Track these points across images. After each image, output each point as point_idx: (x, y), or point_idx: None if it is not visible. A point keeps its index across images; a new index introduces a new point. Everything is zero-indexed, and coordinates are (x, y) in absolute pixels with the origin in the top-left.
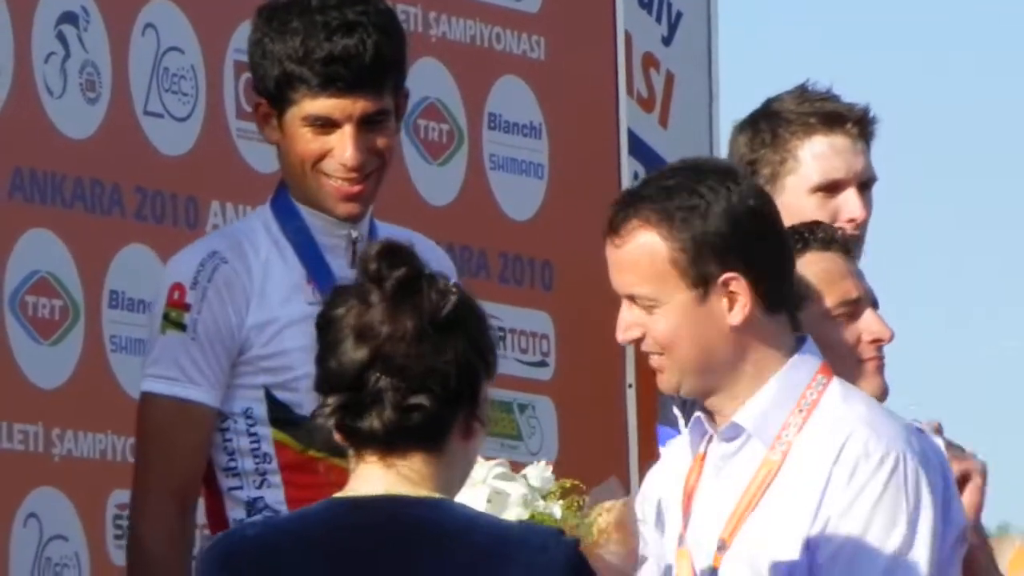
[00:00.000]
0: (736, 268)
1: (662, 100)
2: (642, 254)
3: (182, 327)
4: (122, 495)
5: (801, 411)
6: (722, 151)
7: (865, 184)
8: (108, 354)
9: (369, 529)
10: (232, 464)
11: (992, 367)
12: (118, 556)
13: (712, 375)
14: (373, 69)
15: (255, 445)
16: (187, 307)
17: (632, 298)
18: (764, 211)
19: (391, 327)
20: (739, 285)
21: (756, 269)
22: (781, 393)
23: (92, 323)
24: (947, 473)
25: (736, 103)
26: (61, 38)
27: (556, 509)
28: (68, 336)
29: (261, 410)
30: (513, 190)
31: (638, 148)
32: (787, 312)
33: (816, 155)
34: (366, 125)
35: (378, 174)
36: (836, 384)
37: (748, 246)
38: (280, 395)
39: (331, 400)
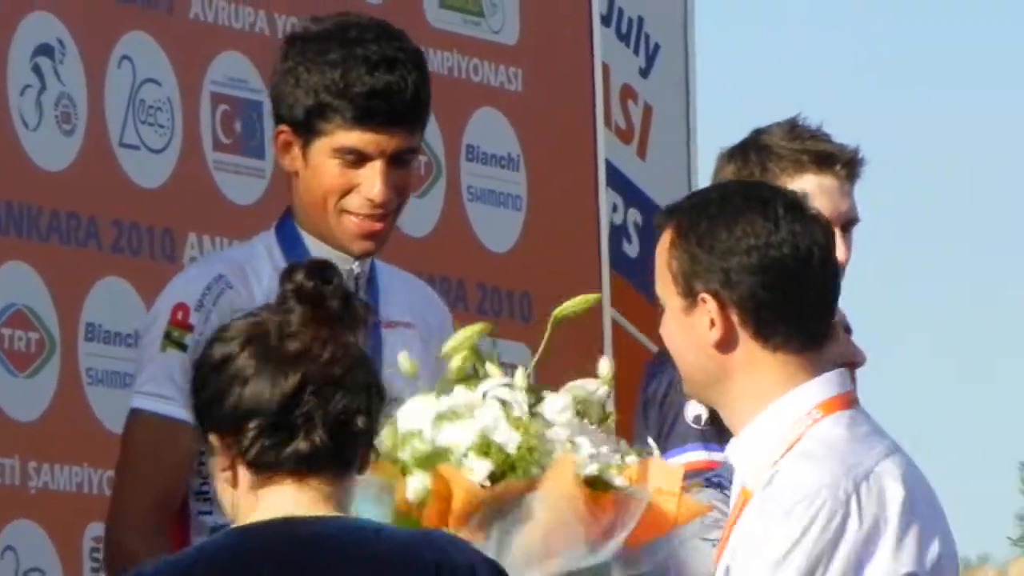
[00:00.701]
0: (713, 290)
1: (640, 132)
2: (658, 254)
3: (183, 347)
4: (99, 528)
5: (787, 444)
6: (701, 182)
7: (848, 224)
8: (85, 387)
9: (268, 552)
10: (204, 488)
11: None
12: None
13: (706, 390)
14: (412, 107)
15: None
16: (190, 328)
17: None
18: (770, 249)
19: (333, 346)
20: (712, 306)
21: (738, 300)
22: (769, 424)
23: (68, 356)
24: (912, 513)
25: (714, 135)
26: (37, 70)
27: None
28: (44, 368)
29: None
30: (491, 222)
31: (616, 180)
32: (796, 351)
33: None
34: (395, 162)
35: (396, 213)
36: (833, 418)
37: (732, 277)
38: None
39: (251, 425)
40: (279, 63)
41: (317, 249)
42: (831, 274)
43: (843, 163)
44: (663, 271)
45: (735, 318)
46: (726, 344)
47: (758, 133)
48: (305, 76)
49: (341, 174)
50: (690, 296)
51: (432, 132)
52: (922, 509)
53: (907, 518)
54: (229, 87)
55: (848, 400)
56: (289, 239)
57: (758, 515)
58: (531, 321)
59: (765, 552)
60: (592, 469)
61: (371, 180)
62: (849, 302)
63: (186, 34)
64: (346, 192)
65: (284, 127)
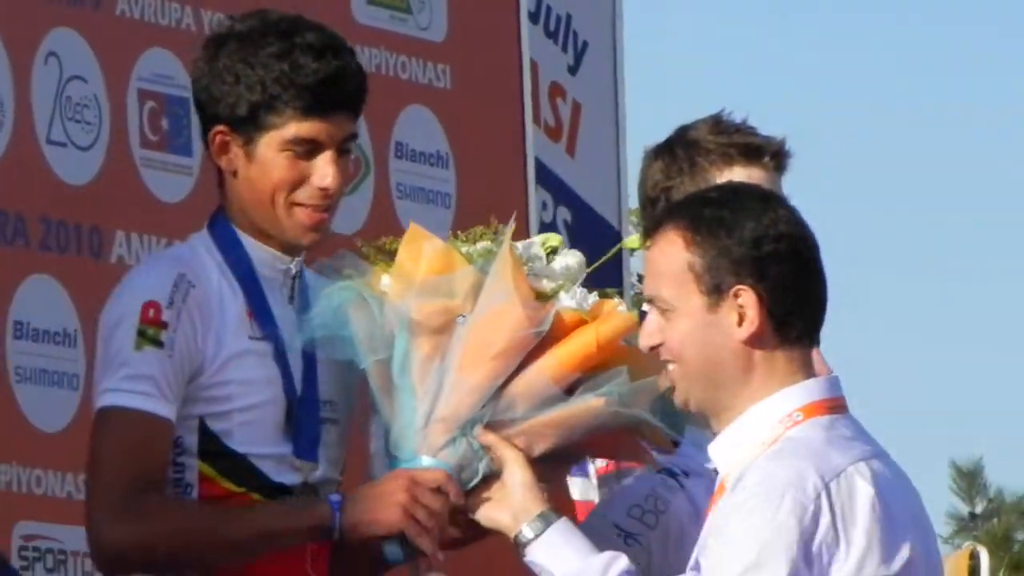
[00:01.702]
0: (748, 283)
1: (569, 129)
2: (664, 256)
3: (159, 344)
4: (27, 527)
5: (764, 444)
6: (630, 179)
7: None
8: (13, 385)
9: None
10: (177, 475)
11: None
12: None
13: (717, 390)
14: (358, 92)
15: (179, 475)
16: (164, 325)
17: (652, 302)
18: (795, 238)
19: None
20: (748, 299)
21: (770, 290)
22: (751, 425)
23: None
24: (884, 516)
25: (644, 132)
26: None
27: None
28: None
29: (192, 440)
30: (420, 219)
31: (545, 177)
32: (803, 348)
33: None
34: (341, 152)
35: (337, 204)
36: (813, 422)
37: (766, 266)
38: (213, 425)
39: None
40: (206, 64)
41: (254, 249)
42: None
43: (771, 155)
44: (677, 274)
45: (766, 310)
46: (757, 338)
47: (684, 129)
48: (247, 72)
49: (292, 166)
50: (717, 293)
51: (360, 130)
52: (896, 512)
53: (878, 520)
54: (156, 83)
55: (833, 406)
56: (225, 240)
57: (725, 510)
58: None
59: (729, 548)
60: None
61: (324, 169)
62: None
63: (113, 30)
64: (297, 184)
65: (222, 127)
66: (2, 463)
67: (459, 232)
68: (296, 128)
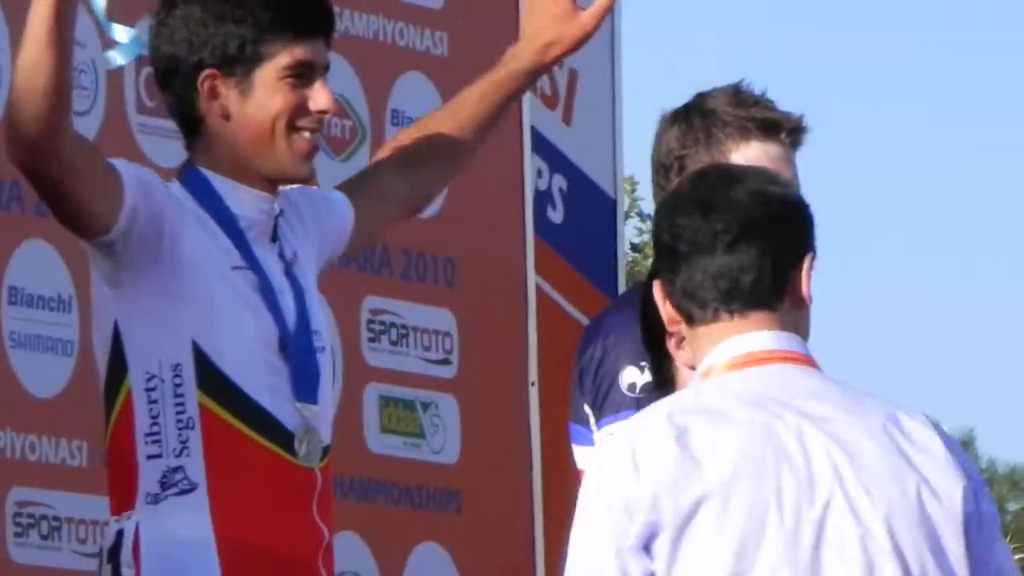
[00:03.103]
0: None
1: (565, 98)
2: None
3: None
4: (21, 492)
5: None
6: (626, 148)
7: None
8: (7, 350)
9: None
10: (155, 429)
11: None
12: (18, 554)
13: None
14: (332, 15)
15: (180, 410)
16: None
17: None
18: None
19: None
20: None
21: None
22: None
23: None
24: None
25: (640, 101)
26: None
27: None
28: None
29: (188, 366)
30: None
31: (541, 145)
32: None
33: (750, 160)
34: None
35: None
36: (695, 383)
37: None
38: (205, 347)
39: None
40: (177, 16)
41: (235, 191)
42: None
43: (788, 131)
44: None
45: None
46: (675, 323)
47: (702, 97)
48: (231, 9)
49: (292, 92)
50: None
51: (357, 96)
52: (757, 467)
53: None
54: None
55: (749, 361)
56: (199, 187)
57: None
58: (456, 287)
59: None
60: None
61: (319, 93)
62: None
63: None
64: (298, 110)
65: (209, 71)
66: None
67: None
68: (291, 54)
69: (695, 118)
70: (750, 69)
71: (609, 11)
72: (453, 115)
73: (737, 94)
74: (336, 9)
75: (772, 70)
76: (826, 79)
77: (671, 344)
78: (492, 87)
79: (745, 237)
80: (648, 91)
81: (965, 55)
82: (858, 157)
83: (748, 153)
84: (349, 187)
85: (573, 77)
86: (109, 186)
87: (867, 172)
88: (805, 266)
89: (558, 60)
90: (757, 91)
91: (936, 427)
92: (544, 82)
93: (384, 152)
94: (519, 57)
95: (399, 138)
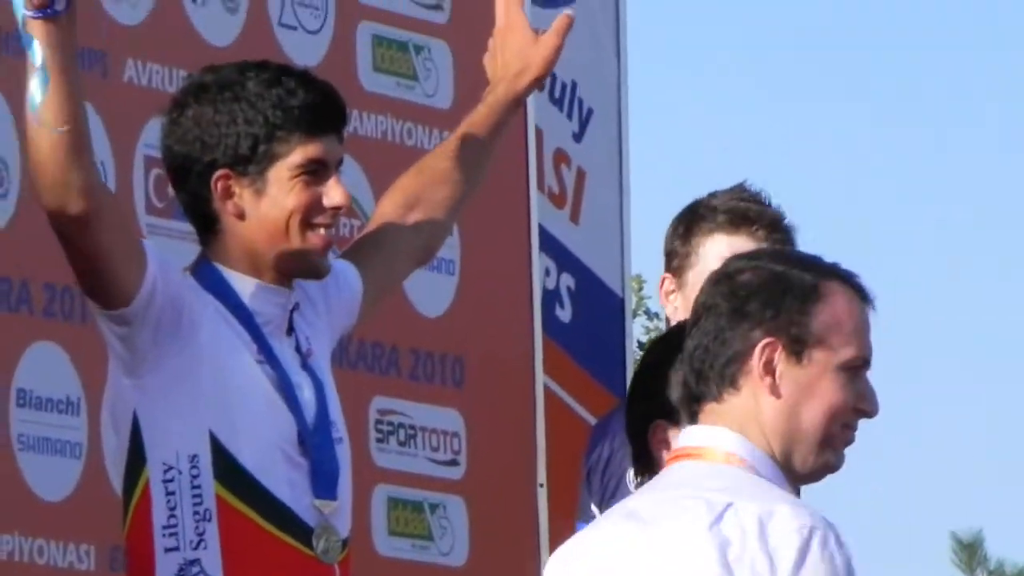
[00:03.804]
0: None
1: (573, 196)
2: (859, 312)
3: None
4: None
5: None
6: (634, 247)
7: None
8: (16, 453)
9: None
10: (172, 522)
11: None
12: None
13: None
14: (344, 111)
15: (197, 502)
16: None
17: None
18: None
19: None
20: None
21: None
22: None
23: None
24: None
25: (648, 200)
26: None
27: None
28: None
29: (205, 457)
30: (424, 286)
31: (549, 244)
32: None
33: (716, 255)
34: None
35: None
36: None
37: None
38: (223, 438)
39: None
40: (189, 116)
41: (250, 286)
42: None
43: (762, 225)
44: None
45: None
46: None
47: (706, 196)
48: (243, 109)
49: (306, 190)
50: None
51: (365, 196)
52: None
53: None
54: None
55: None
56: (215, 281)
57: None
58: (464, 386)
59: None
60: None
61: (334, 188)
62: None
63: (120, 97)
64: (313, 207)
65: (222, 171)
66: (4, 533)
67: None
68: (303, 151)
69: (686, 214)
70: (760, 172)
71: (568, 28)
72: (445, 156)
73: (731, 191)
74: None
75: (782, 173)
76: (837, 183)
77: None
78: (477, 124)
79: (692, 329)
80: (656, 190)
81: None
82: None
83: (716, 247)
84: (356, 252)
85: (581, 176)
86: (134, 251)
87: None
88: (757, 352)
89: (533, 86)
90: (754, 189)
91: (799, 531)
92: (552, 180)
93: (384, 206)
94: (495, 91)
95: (396, 188)
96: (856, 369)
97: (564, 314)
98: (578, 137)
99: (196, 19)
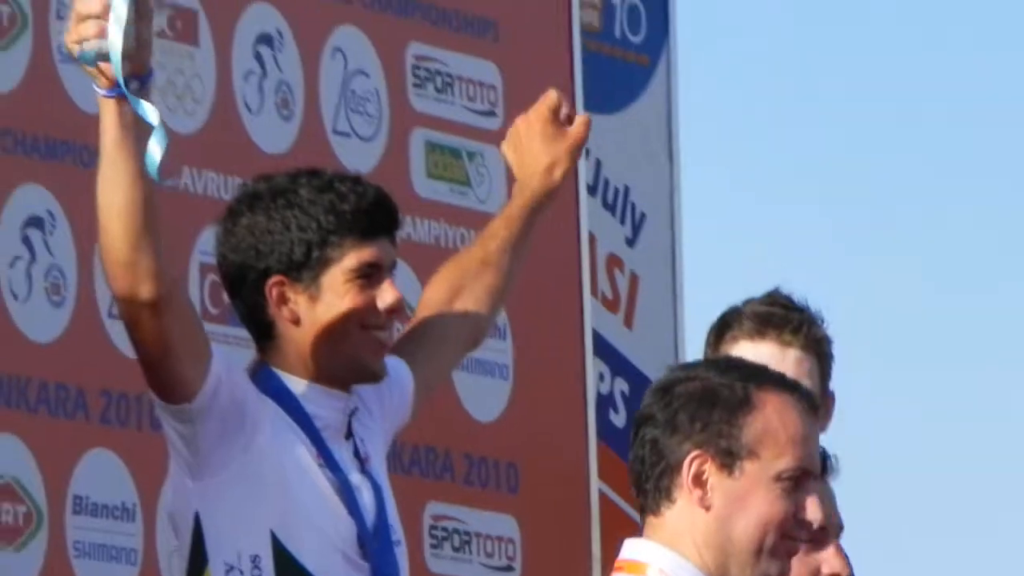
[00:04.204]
0: None
1: (627, 301)
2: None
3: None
4: None
5: None
6: (688, 351)
7: None
8: (71, 560)
9: None
10: None
11: None
12: None
13: None
14: (396, 213)
15: None
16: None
17: None
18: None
19: None
20: None
21: None
22: None
23: (55, 529)
24: None
25: (702, 305)
26: (27, 242)
27: None
28: (32, 542)
29: (267, 561)
30: (478, 391)
31: (603, 349)
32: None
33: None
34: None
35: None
36: None
37: None
38: (285, 540)
39: None
40: (243, 225)
41: (309, 391)
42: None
43: (788, 330)
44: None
45: None
46: None
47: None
48: (296, 216)
49: (361, 293)
50: None
51: (415, 301)
52: None
53: None
54: None
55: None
56: (275, 388)
57: None
58: (518, 492)
59: None
60: None
61: (387, 291)
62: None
63: (175, 205)
64: (368, 311)
65: (276, 278)
66: None
67: None
68: (357, 256)
69: (718, 321)
70: (813, 274)
71: (589, 123)
72: (483, 248)
73: (763, 296)
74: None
75: (837, 276)
76: (894, 289)
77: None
78: (512, 217)
79: (632, 441)
80: (709, 295)
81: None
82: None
83: (741, 355)
84: (404, 345)
85: (634, 280)
86: (200, 346)
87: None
88: (686, 465)
89: (564, 177)
90: (786, 293)
91: None
92: (605, 286)
93: (428, 296)
94: (529, 184)
95: (438, 278)
96: (796, 479)
97: (618, 419)
98: (631, 242)
99: (251, 127)
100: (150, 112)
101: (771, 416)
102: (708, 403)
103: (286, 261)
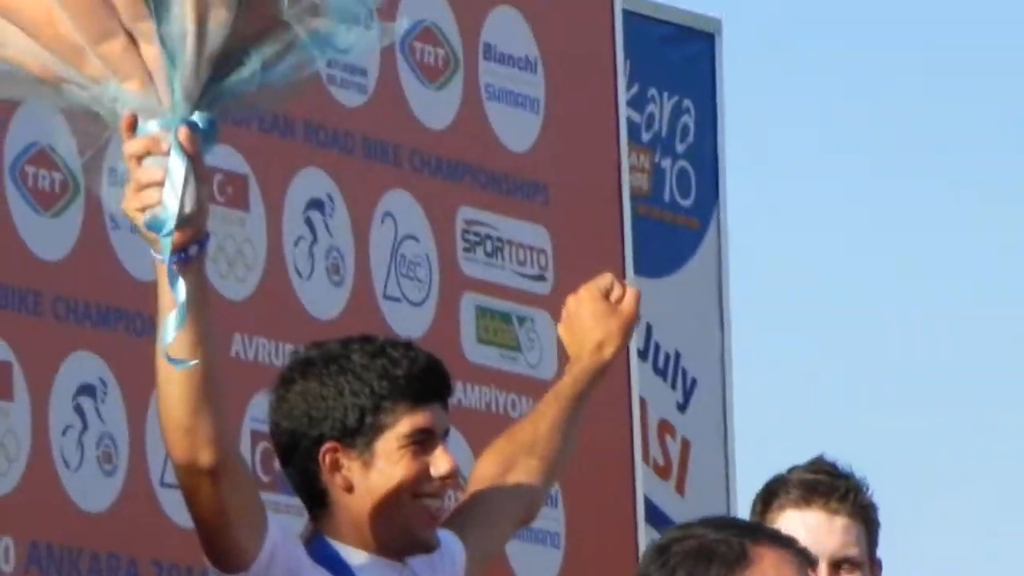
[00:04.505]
0: None
1: (678, 467)
2: None
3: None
4: None
5: None
6: (740, 517)
7: (842, 563)
8: None
9: None
10: None
11: None
12: None
13: None
14: (448, 378)
15: None
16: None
17: None
18: None
19: None
20: None
21: None
22: None
23: None
24: None
25: (754, 471)
26: (79, 410)
27: None
28: None
29: None
30: (530, 559)
31: (655, 516)
32: None
33: (789, 532)
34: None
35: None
36: None
37: None
38: None
39: None
40: (296, 392)
41: (364, 560)
42: None
43: (835, 498)
44: None
45: None
46: None
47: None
48: (349, 381)
49: (414, 461)
50: None
51: (470, 467)
52: None
53: None
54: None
55: None
56: (331, 560)
57: None
58: None
59: None
60: None
61: (441, 458)
62: None
63: (226, 372)
64: (422, 478)
65: (330, 444)
66: None
67: None
68: (411, 421)
69: (761, 489)
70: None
71: (639, 299)
72: (535, 424)
73: (809, 463)
74: None
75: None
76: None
77: None
78: (564, 394)
79: None
80: (762, 460)
81: None
82: None
83: (789, 524)
84: (457, 519)
85: (686, 446)
86: (257, 513)
87: None
88: None
89: (616, 354)
90: (831, 460)
91: None
92: (657, 452)
93: (480, 470)
94: (580, 361)
95: (491, 452)
96: None
97: None
98: (682, 407)
99: (302, 293)
100: (180, 290)
101: (768, 571)
102: (705, 560)
103: (339, 427)
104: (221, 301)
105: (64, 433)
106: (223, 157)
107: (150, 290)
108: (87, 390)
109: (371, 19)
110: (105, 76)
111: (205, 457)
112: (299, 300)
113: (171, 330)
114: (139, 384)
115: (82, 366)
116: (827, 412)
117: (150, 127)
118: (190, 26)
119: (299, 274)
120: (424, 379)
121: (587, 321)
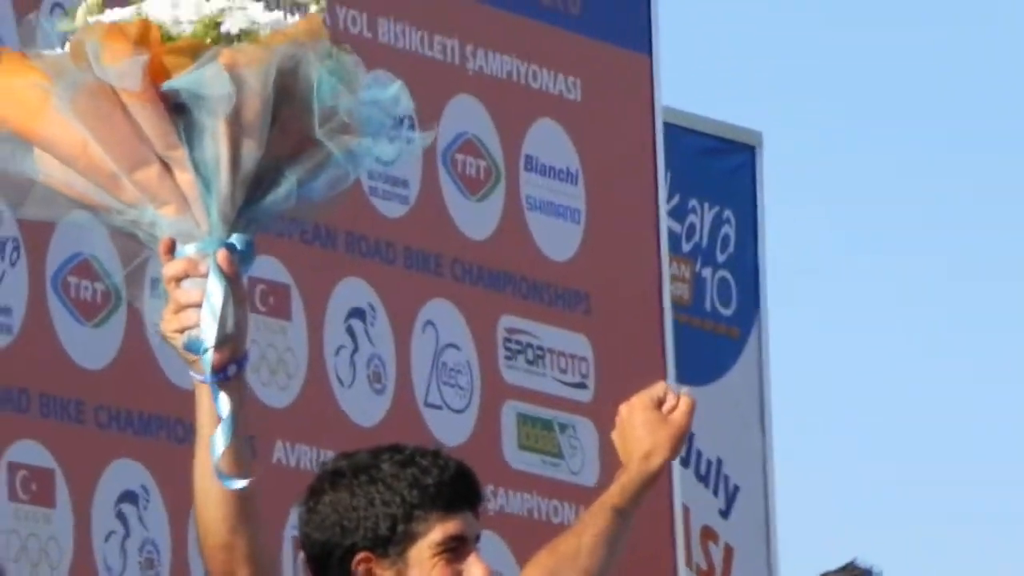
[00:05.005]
0: None
1: (722, 573)
2: None
3: None
4: None
5: None
6: None
7: None
8: None
9: None
10: None
11: None
12: None
13: None
14: (479, 486)
15: None
16: None
17: None
18: None
19: None
20: None
21: None
22: None
23: None
24: None
25: (795, 575)
26: (122, 517)
27: None
28: None
29: None
30: None
31: None
32: None
33: None
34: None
35: None
36: None
37: None
38: None
39: None
40: (326, 502)
41: None
42: None
43: None
44: None
45: None
46: None
47: None
48: (380, 491)
49: (448, 567)
50: None
51: (512, 574)
52: None
53: None
54: None
55: None
56: None
57: None
58: None
59: None
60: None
61: (474, 565)
62: None
63: (268, 479)
64: None
65: (363, 554)
66: None
67: None
68: (443, 528)
69: None
70: (906, 544)
71: (693, 408)
72: (578, 536)
73: (833, 570)
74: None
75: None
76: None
77: None
78: (611, 504)
79: None
80: (804, 565)
81: None
82: None
83: None
84: None
85: (729, 552)
86: None
87: None
88: None
89: (663, 466)
90: (864, 566)
91: None
92: (700, 558)
93: None
94: (628, 471)
95: (534, 564)
96: None
97: None
98: (725, 514)
99: (343, 401)
100: (223, 405)
101: None
102: None
103: (372, 537)
104: (263, 409)
105: (107, 540)
106: (265, 267)
107: (190, 398)
108: (129, 497)
109: (403, 129)
110: (142, 201)
111: (243, 574)
112: (340, 408)
113: (218, 447)
114: (180, 491)
115: (124, 473)
116: (870, 516)
117: (188, 250)
118: (223, 151)
119: (340, 382)
120: (454, 487)
121: (638, 429)
